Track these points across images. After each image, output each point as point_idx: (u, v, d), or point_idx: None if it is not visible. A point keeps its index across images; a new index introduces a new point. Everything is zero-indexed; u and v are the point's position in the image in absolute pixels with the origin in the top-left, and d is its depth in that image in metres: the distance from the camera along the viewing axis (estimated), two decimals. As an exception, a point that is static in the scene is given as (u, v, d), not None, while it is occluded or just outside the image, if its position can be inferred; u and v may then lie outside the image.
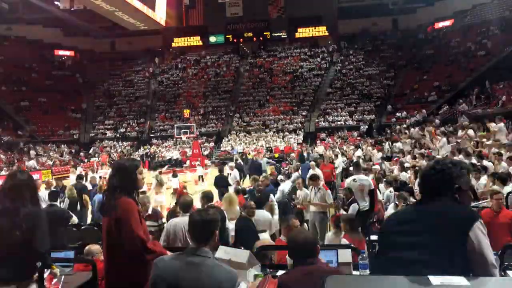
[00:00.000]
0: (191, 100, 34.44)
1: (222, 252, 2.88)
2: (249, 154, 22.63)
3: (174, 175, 13.62)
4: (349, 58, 35.89)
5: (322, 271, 2.30)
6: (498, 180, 6.22)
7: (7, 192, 2.74)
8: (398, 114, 27.51)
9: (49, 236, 2.76)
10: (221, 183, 11.46)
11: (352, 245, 3.64)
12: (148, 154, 28.15)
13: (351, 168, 9.51)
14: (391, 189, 8.02)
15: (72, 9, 39.19)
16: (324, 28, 38.39)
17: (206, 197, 5.18)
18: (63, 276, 3.42)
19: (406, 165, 9.98)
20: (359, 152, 15.28)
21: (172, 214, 5.81)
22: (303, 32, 38.90)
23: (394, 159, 12.09)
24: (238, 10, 39.80)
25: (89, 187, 10.54)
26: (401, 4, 35.87)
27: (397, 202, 6.56)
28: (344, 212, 6.37)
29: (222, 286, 2.04)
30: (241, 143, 28.61)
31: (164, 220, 5.67)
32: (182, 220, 4.18)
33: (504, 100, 17.07)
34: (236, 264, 2.71)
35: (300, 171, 11.12)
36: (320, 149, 22.35)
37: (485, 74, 23.68)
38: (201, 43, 40.70)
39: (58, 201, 6.85)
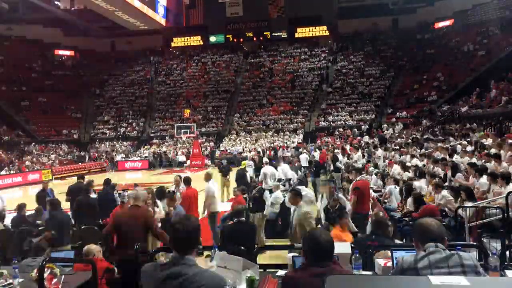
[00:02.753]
0: (191, 100, 34.43)
1: (219, 259, 2.92)
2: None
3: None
4: (349, 58, 35.87)
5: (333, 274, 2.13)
6: (501, 178, 6.18)
7: None
8: (398, 114, 27.49)
9: None
10: None
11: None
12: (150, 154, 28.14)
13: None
14: (396, 185, 8.13)
15: (72, 9, 39.18)
16: (324, 28, 38.40)
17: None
18: (63, 276, 3.43)
19: (408, 164, 10.00)
20: (359, 153, 15.19)
21: None
22: (303, 32, 38.90)
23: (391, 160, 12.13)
24: (238, 10, 39.79)
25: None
26: (401, 4, 35.84)
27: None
28: None
29: None
30: (241, 143, 28.59)
31: None
32: None
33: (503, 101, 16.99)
34: (232, 271, 2.81)
35: None
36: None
37: (485, 74, 23.65)
38: (201, 43, 40.73)
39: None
